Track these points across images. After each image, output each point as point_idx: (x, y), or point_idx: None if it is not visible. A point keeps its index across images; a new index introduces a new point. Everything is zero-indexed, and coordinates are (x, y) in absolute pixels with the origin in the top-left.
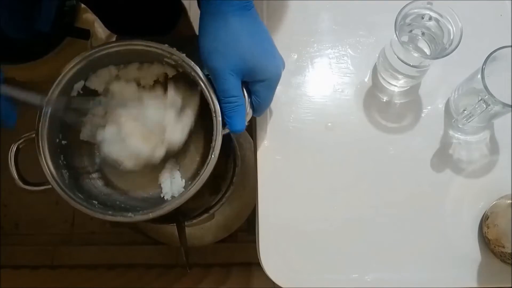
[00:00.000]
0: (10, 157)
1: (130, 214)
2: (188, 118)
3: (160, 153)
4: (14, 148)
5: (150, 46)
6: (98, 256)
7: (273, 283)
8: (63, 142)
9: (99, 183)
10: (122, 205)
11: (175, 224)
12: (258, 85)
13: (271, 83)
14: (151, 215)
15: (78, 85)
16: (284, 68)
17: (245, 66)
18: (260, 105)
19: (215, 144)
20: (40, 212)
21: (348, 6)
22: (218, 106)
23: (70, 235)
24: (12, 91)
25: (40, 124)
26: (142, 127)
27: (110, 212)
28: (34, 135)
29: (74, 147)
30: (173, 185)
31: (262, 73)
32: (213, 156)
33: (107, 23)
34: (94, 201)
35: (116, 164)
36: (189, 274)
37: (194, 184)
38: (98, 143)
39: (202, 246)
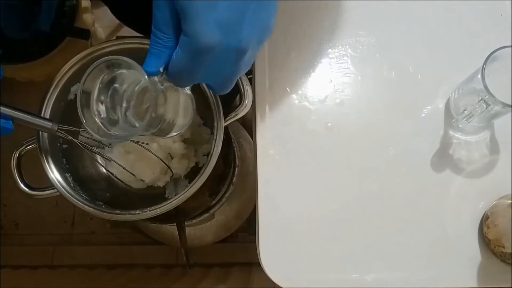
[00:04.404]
0: (13, 164)
1: (138, 211)
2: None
3: (164, 180)
4: (16, 155)
5: (144, 44)
6: (98, 256)
7: (273, 283)
8: (64, 146)
9: (103, 184)
10: (127, 204)
11: (175, 224)
12: (180, 39)
13: (192, 49)
14: (159, 211)
15: (75, 88)
16: (259, 42)
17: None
18: (171, 74)
19: (216, 136)
20: (40, 212)
21: (348, 5)
22: (218, 98)
23: (70, 235)
24: (19, 115)
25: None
26: (149, 155)
27: (118, 211)
28: (35, 141)
29: (76, 150)
30: (177, 185)
31: (187, 19)
32: (215, 149)
33: (120, 16)
34: (99, 202)
35: (122, 183)
36: (189, 274)
37: (201, 175)
38: (104, 162)
39: (202, 246)
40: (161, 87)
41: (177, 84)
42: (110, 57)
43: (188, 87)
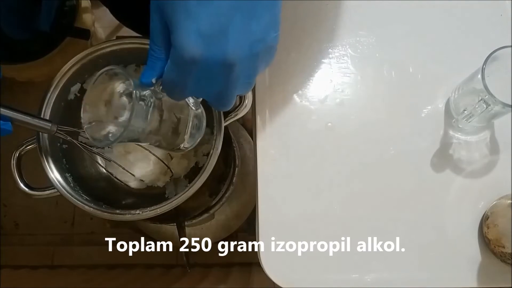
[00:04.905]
0: (13, 164)
1: (138, 211)
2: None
3: (164, 180)
4: (16, 155)
5: (145, 44)
6: (98, 256)
7: (273, 283)
8: (64, 146)
9: (103, 184)
10: (127, 204)
11: (175, 224)
12: (170, 51)
13: (178, 61)
14: (159, 211)
15: (75, 88)
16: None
17: (165, 10)
18: (164, 86)
19: (216, 136)
20: (40, 212)
21: (348, 5)
22: None
23: (70, 235)
24: (18, 116)
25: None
26: (149, 155)
27: (118, 211)
28: (35, 141)
29: (76, 150)
30: (177, 185)
31: (172, 30)
32: (215, 149)
33: (120, 16)
34: (99, 202)
35: (122, 183)
36: (189, 274)
37: (201, 175)
38: (104, 162)
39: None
40: (152, 99)
41: (170, 96)
42: (110, 67)
43: (192, 102)
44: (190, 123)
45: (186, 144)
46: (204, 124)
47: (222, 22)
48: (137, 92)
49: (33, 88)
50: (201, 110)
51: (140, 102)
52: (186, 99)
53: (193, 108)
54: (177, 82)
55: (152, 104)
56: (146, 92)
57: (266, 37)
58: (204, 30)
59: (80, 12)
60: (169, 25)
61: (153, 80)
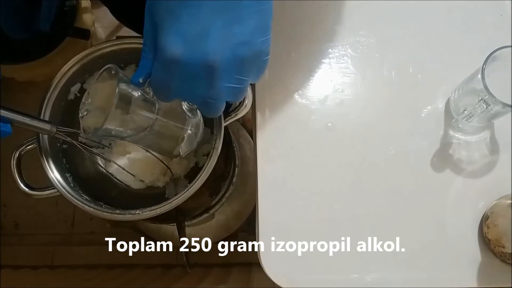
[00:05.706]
0: (13, 164)
1: (138, 211)
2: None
3: (163, 181)
4: (16, 155)
5: None
6: (98, 256)
7: (273, 283)
8: (64, 146)
9: (103, 184)
10: (127, 204)
11: (175, 224)
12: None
13: (162, 61)
14: (159, 211)
15: (75, 88)
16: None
17: (153, 12)
18: (152, 86)
19: (216, 136)
20: (40, 212)
21: (348, 5)
22: None
23: (70, 235)
24: (17, 117)
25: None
26: (149, 155)
27: (118, 211)
28: (35, 141)
29: (76, 150)
30: (177, 185)
31: (156, 30)
32: (215, 149)
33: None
34: (100, 202)
35: (122, 183)
36: (189, 274)
37: (201, 175)
38: (104, 162)
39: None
40: (156, 104)
41: (157, 96)
42: (108, 65)
43: (186, 108)
44: (187, 130)
45: (184, 148)
46: (202, 132)
47: (203, 23)
48: (119, 89)
49: (33, 88)
50: (198, 118)
51: (138, 100)
52: (182, 106)
53: (189, 115)
54: (162, 83)
55: (155, 106)
56: (137, 92)
57: (252, 40)
58: (185, 31)
59: (80, 12)
60: (155, 26)
61: (140, 80)
